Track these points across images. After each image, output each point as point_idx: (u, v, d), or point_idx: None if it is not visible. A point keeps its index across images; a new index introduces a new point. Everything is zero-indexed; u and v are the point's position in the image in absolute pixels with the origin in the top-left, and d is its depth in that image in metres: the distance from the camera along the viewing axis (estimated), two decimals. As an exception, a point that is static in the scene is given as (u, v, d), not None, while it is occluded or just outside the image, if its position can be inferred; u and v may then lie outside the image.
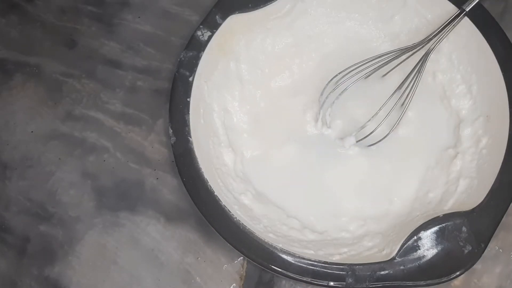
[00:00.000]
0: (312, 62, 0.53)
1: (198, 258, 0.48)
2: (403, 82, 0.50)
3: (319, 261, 0.42)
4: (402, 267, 0.42)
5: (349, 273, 0.42)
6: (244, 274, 0.48)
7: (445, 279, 0.41)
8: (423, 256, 0.42)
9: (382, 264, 0.42)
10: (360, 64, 0.49)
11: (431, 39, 0.49)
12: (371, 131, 0.49)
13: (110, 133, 0.54)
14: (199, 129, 0.47)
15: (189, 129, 0.46)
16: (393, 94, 0.49)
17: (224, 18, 0.49)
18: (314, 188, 0.50)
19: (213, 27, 0.49)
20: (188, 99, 0.47)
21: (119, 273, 0.48)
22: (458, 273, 0.41)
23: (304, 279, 0.42)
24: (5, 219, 0.51)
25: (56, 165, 0.53)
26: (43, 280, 0.49)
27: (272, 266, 0.42)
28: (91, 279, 0.49)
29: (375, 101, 0.49)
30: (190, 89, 0.48)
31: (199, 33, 0.49)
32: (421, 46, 0.49)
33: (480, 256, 0.41)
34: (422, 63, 0.49)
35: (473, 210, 0.43)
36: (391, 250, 0.43)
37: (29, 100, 0.56)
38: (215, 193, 0.44)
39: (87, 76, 0.56)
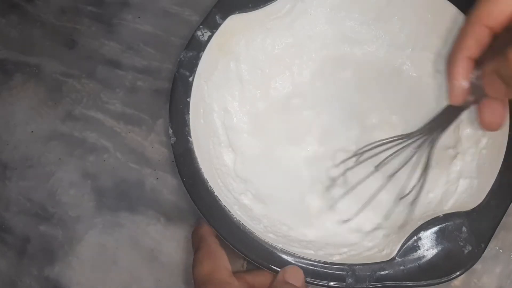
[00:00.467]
0: (312, 62, 0.53)
1: (198, 258, 0.48)
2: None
3: (319, 261, 0.42)
4: (402, 267, 0.42)
5: (349, 273, 0.42)
6: (244, 274, 0.48)
7: (445, 279, 0.41)
8: (423, 256, 0.42)
9: (382, 264, 0.42)
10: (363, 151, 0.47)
11: (434, 130, 0.44)
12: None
13: (110, 133, 0.54)
14: (199, 129, 0.47)
15: (189, 129, 0.46)
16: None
17: (224, 18, 0.49)
18: (314, 188, 0.49)
19: (213, 27, 0.49)
20: (188, 99, 0.47)
21: (119, 273, 0.48)
22: (458, 273, 0.41)
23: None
24: (5, 219, 0.51)
25: (56, 165, 0.53)
26: (43, 280, 0.49)
27: (272, 266, 0.42)
28: (91, 279, 0.49)
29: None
30: (190, 89, 0.47)
31: (199, 33, 0.48)
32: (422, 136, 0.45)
33: (480, 256, 0.41)
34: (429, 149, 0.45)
35: (473, 210, 0.43)
36: (391, 250, 0.43)
37: (29, 100, 0.56)
38: (215, 193, 0.44)
39: (87, 76, 0.56)
